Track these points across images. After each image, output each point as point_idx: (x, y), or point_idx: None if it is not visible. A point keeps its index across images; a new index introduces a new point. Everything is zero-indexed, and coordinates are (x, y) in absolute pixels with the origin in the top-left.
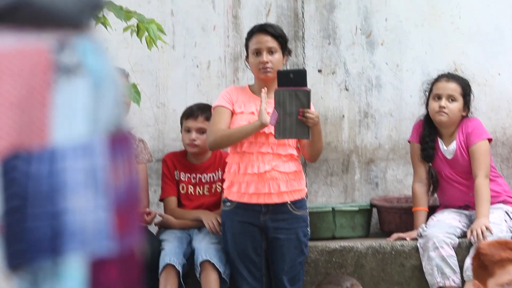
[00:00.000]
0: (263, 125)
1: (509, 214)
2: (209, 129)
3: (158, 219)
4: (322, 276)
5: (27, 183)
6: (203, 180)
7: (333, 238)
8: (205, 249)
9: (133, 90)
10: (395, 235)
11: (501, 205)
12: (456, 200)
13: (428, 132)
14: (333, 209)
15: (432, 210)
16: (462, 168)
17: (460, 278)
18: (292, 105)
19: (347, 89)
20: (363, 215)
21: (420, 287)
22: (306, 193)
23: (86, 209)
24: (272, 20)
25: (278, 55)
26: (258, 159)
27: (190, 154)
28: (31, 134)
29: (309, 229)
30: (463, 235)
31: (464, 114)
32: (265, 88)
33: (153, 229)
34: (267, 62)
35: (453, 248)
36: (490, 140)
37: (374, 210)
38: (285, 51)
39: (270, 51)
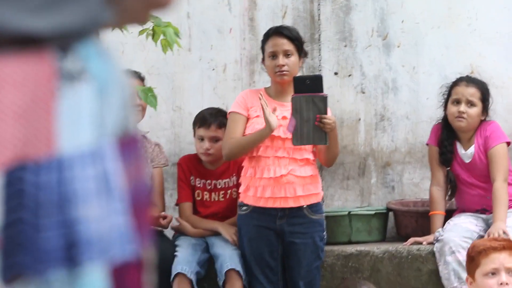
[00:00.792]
0: (271, 130)
1: None
2: (224, 139)
3: (174, 223)
4: (339, 281)
5: (36, 194)
6: (218, 186)
7: (350, 242)
8: (230, 256)
9: (149, 94)
10: (411, 240)
11: None
12: (473, 203)
13: (447, 136)
14: (349, 213)
15: (449, 214)
16: (480, 172)
17: None
18: (309, 111)
19: (363, 92)
20: (379, 219)
21: None
22: (322, 197)
23: (101, 217)
24: (288, 22)
25: (294, 58)
26: (275, 163)
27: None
28: (38, 144)
29: (325, 234)
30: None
31: (482, 118)
32: (261, 93)
33: (169, 232)
34: (284, 65)
35: None
36: (508, 143)
37: (391, 214)
38: (301, 53)
39: (286, 54)
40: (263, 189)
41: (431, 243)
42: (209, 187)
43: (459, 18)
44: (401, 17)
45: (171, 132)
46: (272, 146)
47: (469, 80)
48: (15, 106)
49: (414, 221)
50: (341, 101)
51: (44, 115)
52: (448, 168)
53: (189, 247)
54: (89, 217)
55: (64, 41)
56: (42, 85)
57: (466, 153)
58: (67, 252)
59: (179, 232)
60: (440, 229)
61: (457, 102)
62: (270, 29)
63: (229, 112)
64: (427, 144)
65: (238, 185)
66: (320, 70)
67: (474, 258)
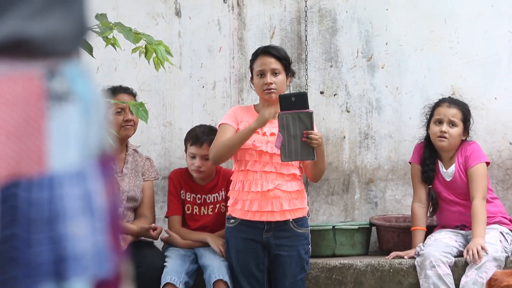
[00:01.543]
0: (264, 122)
1: (504, 234)
2: (212, 145)
3: (164, 234)
4: None
5: (28, 210)
6: (207, 201)
7: (334, 255)
8: (218, 267)
9: (140, 108)
10: (393, 254)
11: (496, 225)
12: (453, 220)
13: (429, 154)
14: (333, 227)
15: (429, 229)
16: (460, 190)
17: None
18: (296, 127)
19: (348, 111)
20: (362, 234)
21: None
22: (308, 212)
23: (84, 235)
24: (276, 42)
25: (281, 77)
26: (262, 178)
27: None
28: (30, 162)
29: (310, 247)
30: (459, 254)
31: (463, 138)
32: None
33: (159, 244)
34: (271, 83)
35: (449, 266)
36: (488, 163)
37: (374, 229)
38: (289, 72)
39: (274, 73)
40: (250, 203)
41: (412, 257)
42: (198, 202)
43: (441, 41)
44: (385, 39)
45: (161, 147)
46: (260, 161)
47: (451, 101)
48: (8, 125)
49: (396, 236)
50: (326, 119)
51: (35, 134)
52: (430, 186)
53: (178, 258)
54: (75, 234)
55: (53, 58)
56: (32, 104)
57: (447, 171)
58: (56, 266)
59: (169, 243)
60: (421, 244)
61: (439, 122)
62: (259, 49)
63: (219, 124)
64: (410, 162)
65: (226, 199)
66: (307, 89)
67: None
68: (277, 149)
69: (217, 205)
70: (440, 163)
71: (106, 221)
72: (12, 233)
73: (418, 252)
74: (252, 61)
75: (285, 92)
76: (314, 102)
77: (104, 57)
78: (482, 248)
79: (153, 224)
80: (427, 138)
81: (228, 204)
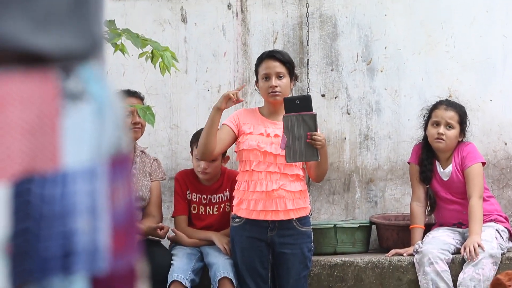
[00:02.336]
0: (217, 108)
1: (500, 232)
2: None
3: (171, 233)
4: None
5: (41, 205)
6: (213, 201)
7: (335, 253)
8: (223, 265)
9: (148, 112)
10: (393, 251)
11: (492, 223)
12: (451, 218)
13: (427, 155)
14: (335, 226)
15: (428, 227)
16: (457, 189)
17: None
18: (300, 129)
19: (348, 113)
20: (363, 232)
21: None
22: (310, 211)
23: (88, 231)
24: (278, 47)
25: (286, 80)
26: (266, 178)
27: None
28: (44, 158)
29: (313, 245)
30: (457, 251)
31: (460, 139)
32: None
33: (166, 242)
34: (276, 86)
35: (447, 263)
36: (483, 163)
37: (374, 227)
38: (293, 76)
39: (279, 76)
40: (255, 203)
41: (411, 255)
42: (204, 202)
43: (438, 45)
44: (384, 43)
45: (168, 149)
46: (264, 162)
47: (448, 104)
48: (23, 122)
49: (396, 234)
50: (327, 121)
51: (49, 131)
52: (428, 186)
53: (185, 256)
54: (81, 230)
55: (67, 63)
56: (47, 102)
57: (445, 171)
58: (64, 260)
59: (175, 242)
60: (419, 242)
61: (437, 124)
62: (264, 53)
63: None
64: (408, 163)
65: (231, 199)
66: (308, 92)
67: None
68: (282, 150)
69: (222, 205)
70: (437, 163)
71: (109, 222)
72: (25, 227)
73: (416, 250)
74: (257, 65)
75: (289, 95)
76: (315, 105)
77: (112, 62)
78: (479, 245)
79: (160, 224)
80: (425, 139)
81: (233, 204)
